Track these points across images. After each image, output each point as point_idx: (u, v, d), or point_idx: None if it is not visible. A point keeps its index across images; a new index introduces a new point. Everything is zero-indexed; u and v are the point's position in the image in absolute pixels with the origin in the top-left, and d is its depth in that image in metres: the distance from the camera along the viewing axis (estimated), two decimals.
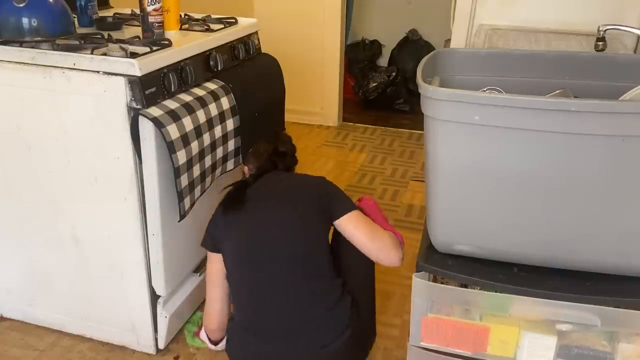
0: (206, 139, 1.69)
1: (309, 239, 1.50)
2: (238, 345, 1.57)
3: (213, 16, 2.15)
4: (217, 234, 1.57)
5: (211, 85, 1.78)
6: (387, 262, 1.55)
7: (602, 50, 1.67)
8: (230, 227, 1.54)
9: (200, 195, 1.73)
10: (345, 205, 1.55)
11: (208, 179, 1.76)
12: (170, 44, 1.67)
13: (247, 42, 2.08)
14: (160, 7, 1.78)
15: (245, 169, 1.73)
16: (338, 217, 1.53)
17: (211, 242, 1.58)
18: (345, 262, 1.58)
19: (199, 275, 1.99)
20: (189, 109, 1.63)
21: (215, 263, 1.58)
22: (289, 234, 1.49)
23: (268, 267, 1.50)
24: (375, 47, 4.74)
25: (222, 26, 2.02)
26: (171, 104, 1.59)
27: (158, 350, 1.88)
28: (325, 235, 1.53)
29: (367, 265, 1.61)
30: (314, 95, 3.92)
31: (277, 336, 1.51)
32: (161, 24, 1.79)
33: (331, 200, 1.55)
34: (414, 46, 4.50)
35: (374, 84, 4.30)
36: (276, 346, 1.51)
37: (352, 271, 1.58)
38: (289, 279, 1.49)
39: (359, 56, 4.60)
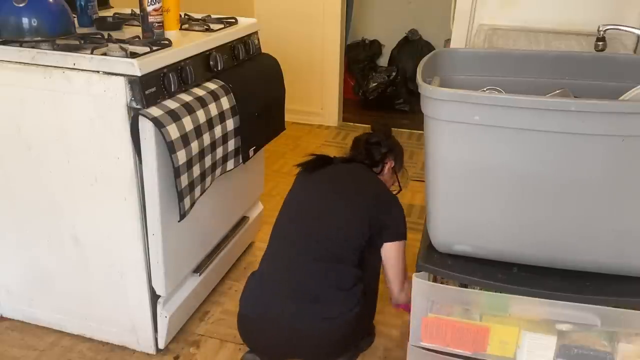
0: (206, 139, 1.69)
1: (349, 233, 1.62)
2: (250, 294, 1.66)
3: (213, 16, 2.15)
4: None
5: (211, 85, 1.78)
6: (393, 294, 1.76)
7: (602, 50, 1.67)
8: (295, 182, 1.78)
9: (200, 195, 1.73)
10: (396, 231, 1.68)
11: (208, 179, 1.76)
12: (170, 44, 1.67)
13: (247, 42, 2.08)
14: (160, 7, 1.78)
15: None
16: (385, 240, 1.67)
17: None
18: (367, 260, 1.67)
19: (199, 275, 1.98)
20: (189, 109, 1.63)
21: None
22: (333, 219, 1.64)
23: (304, 234, 1.64)
24: (375, 47, 4.73)
25: (222, 26, 2.02)
26: (171, 104, 1.59)
27: (158, 350, 1.88)
28: (363, 236, 1.63)
29: (378, 272, 1.76)
30: (314, 95, 3.92)
31: (288, 296, 1.59)
32: (161, 24, 1.79)
33: (387, 221, 1.67)
34: (414, 46, 4.50)
35: (374, 84, 4.30)
36: (284, 305, 1.58)
37: (369, 271, 1.69)
38: (315, 253, 1.61)
39: (359, 56, 4.60)
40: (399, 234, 1.68)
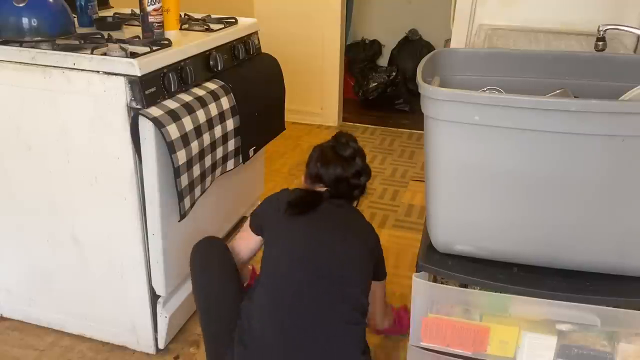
0: (206, 139, 1.69)
1: (361, 278, 1.50)
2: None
3: (213, 16, 2.15)
4: (268, 221, 1.57)
5: (211, 85, 1.78)
6: (374, 323, 1.79)
7: (602, 50, 1.67)
8: (288, 225, 1.51)
9: (201, 195, 1.73)
10: (384, 271, 1.66)
11: (208, 179, 1.76)
12: (170, 44, 1.67)
13: (247, 42, 2.08)
14: (160, 7, 1.78)
15: (303, 180, 1.68)
16: (378, 279, 1.62)
17: (259, 223, 1.61)
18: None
19: None
20: (189, 109, 1.63)
21: (252, 241, 1.64)
22: (349, 264, 1.47)
23: (315, 283, 1.43)
24: (375, 47, 4.74)
25: (222, 26, 2.02)
26: (171, 104, 1.59)
27: (158, 350, 1.88)
28: (369, 280, 1.53)
29: None
30: (314, 95, 3.92)
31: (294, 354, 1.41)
32: (161, 24, 1.79)
33: (379, 262, 1.60)
34: (414, 46, 4.50)
35: (374, 84, 4.30)
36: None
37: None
38: (337, 314, 1.42)
39: (359, 56, 4.61)
40: (385, 272, 1.66)
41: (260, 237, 1.61)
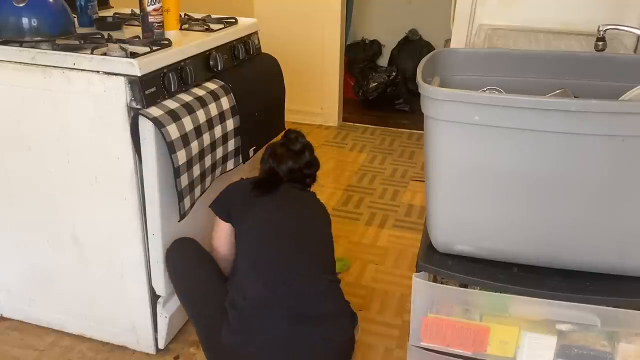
0: (206, 139, 1.69)
1: (330, 245, 1.70)
2: (255, 332, 1.51)
3: (213, 16, 2.15)
4: (234, 206, 1.67)
5: (211, 85, 1.78)
6: None
7: (602, 50, 1.67)
8: (257, 204, 1.64)
9: (200, 195, 1.73)
10: None
11: (208, 179, 1.76)
12: (170, 44, 1.67)
13: (247, 42, 2.08)
14: (160, 7, 1.78)
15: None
16: None
17: (226, 210, 1.69)
18: None
19: None
20: (189, 109, 1.63)
21: (225, 229, 1.70)
22: (321, 232, 1.70)
23: (301, 254, 1.60)
24: (375, 47, 4.74)
25: (222, 26, 2.02)
26: (171, 104, 1.59)
27: (158, 350, 1.88)
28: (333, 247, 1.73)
29: None
30: (314, 95, 3.92)
31: (307, 320, 1.53)
32: (161, 24, 1.79)
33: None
34: (414, 46, 4.50)
35: (374, 84, 4.30)
36: (306, 329, 1.52)
37: None
38: (318, 270, 1.61)
39: (359, 56, 4.60)
40: None
41: (229, 224, 1.69)
